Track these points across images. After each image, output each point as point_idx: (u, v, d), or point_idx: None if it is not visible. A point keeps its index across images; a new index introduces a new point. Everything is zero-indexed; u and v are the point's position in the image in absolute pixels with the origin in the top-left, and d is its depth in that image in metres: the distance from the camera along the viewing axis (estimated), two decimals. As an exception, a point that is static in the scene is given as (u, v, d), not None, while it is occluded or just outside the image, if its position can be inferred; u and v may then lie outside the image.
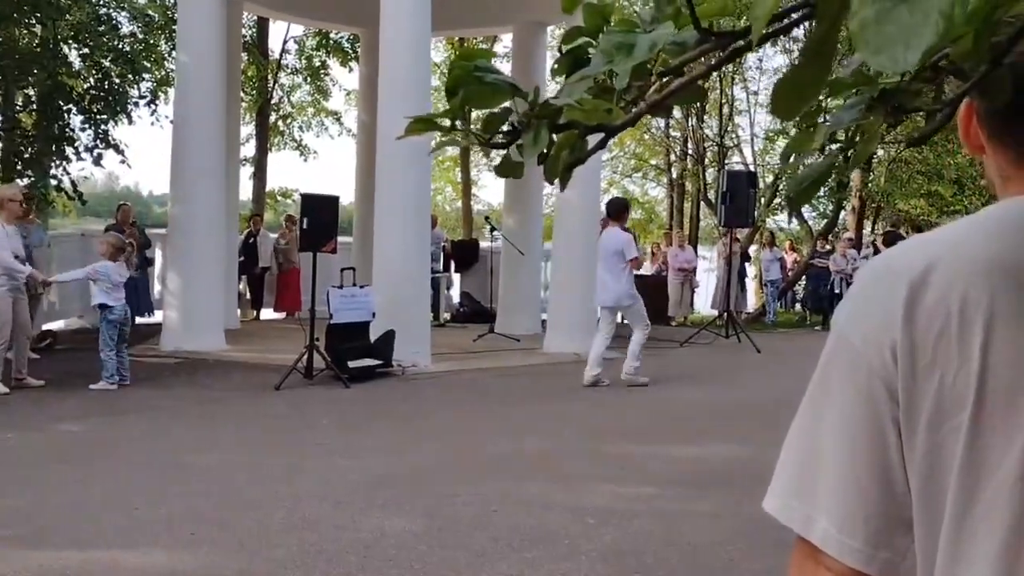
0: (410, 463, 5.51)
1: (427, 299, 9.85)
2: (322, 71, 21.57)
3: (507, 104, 0.67)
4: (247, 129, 19.89)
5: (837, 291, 15.71)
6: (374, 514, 4.46)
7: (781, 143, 23.61)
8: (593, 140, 0.78)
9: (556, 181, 0.76)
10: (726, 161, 22.33)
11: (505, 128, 0.67)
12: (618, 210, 8.88)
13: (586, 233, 10.97)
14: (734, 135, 23.62)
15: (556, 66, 0.90)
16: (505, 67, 23.58)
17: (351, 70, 20.77)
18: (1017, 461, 0.78)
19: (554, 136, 0.66)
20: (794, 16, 0.57)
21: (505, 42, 21.98)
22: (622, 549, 4.04)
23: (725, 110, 22.43)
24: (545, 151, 0.70)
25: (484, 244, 15.79)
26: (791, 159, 0.80)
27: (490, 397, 8.07)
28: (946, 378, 0.81)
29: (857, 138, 0.75)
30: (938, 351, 0.81)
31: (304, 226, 8.33)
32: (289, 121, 22.84)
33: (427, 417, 6.99)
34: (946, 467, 0.82)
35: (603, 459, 5.75)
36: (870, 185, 20.13)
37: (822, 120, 0.80)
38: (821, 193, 21.85)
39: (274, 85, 20.89)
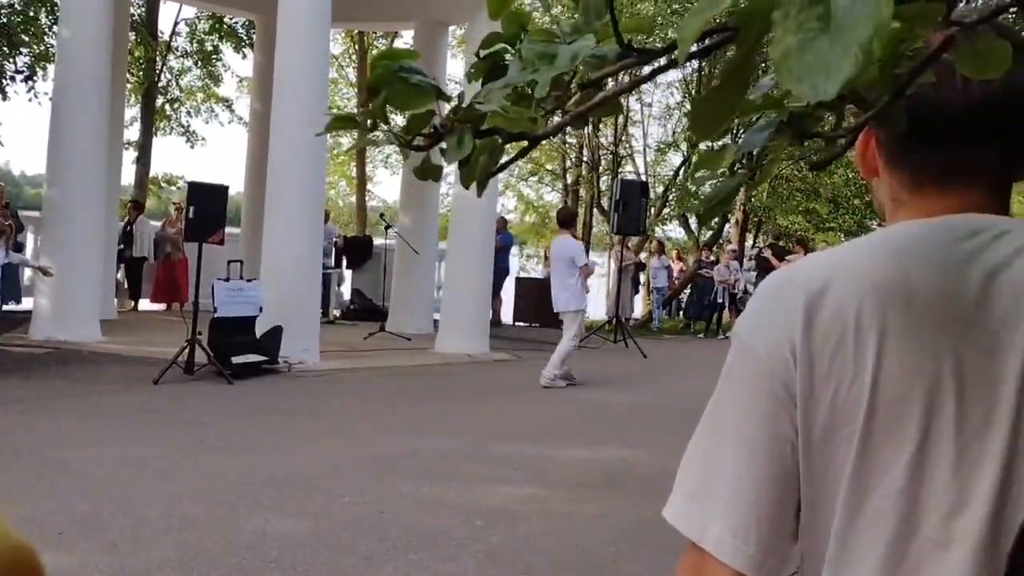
0: (296, 463, 5.40)
1: (318, 295, 9.67)
2: (214, 56, 20.90)
3: (430, 107, 0.66)
4: (132, 111, 19.08)
5: (720, 300, 16.27)
6: (257, 515, 4.34)
7: (672, 155, 24.31)
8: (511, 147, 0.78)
9: (473, 186, 0.76)
10: (619, 170, 22.81)
11: (427, 131, 0.66)
12: (568, 218, 9.27)
13: (482, 234, 11.02)
14: (628, 145, 24.15)
15: (472, 70, 0.90)
16: (405, 64, 23.39)
17: (245, 56, 20.20)
18: (903, 471, 0.82)
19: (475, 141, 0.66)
20: (716, 38, 0.59)
21: (406, 38, 21.84)
22: (509, 550, 4.06)
23: (620, 120, 22.89)
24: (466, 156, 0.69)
25: (378, 241, 15.63)
26: (699, 174, 0.82)
27: (380, 397, 7.99)
28: (840, 389, 0.85)
29: (763, 159, 0.78)
30: (834, 363, 0.85)
31: (190, 215, 8.05)
32: (177, 106, 22.02)
33: (314, 416, 6.86)
34: (836, 476, 0.85)
35: (494, 460, 5.77)
36: (753, 200, 20.91)
37: (730, 140, 0.83)
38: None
39: (162, 67, 20.10)
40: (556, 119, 0.78)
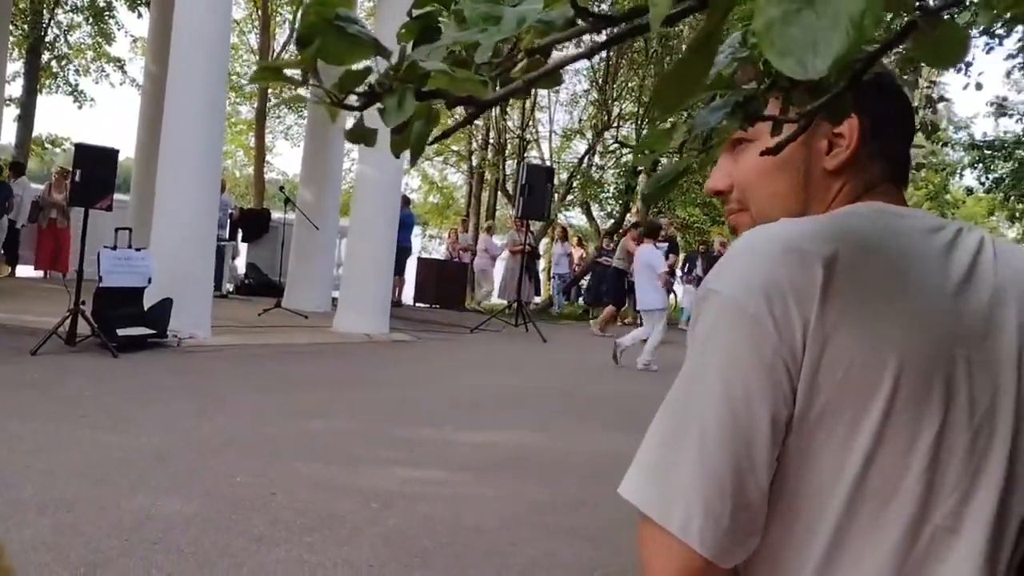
0: (185, 441, 5.19)
1: (211, 268, 9.32)
2: (107, 13, 19.85)
3: (367, 62, 0.60)
4: (14, 67, 17.96)
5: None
6: (141, 494, 4.15)
7: (577, 142, 24.52)
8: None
9: (405, 155, 0.70)
10: (525, 155, 22.87)
11: (362, 89, 0.60)
12: (652, 230, 10.81)
13: (386, 211, 10.84)
14: (534, 130, 24.22)
15: (403, 31, 0.84)
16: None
17: (140, 16, 19.27)
18: (923, 454, 0.81)
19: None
20: (683, 5, 0.55)
21: None
22: (406, 533, 4.01)
23: (527, 105, 22.92)
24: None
25: (276, 215, 15.22)
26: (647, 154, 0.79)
27: (275, 375, 7.78)
28: (853, 369, 0.79)
29: (711, 140, 0.75)
30: (851, 335, 0.79)
31: (77, 179, 7.62)
32: (65, 63, 20.85)
33: (204, 393, 6.62)
34: (831, 460, 0.81)
35: (392, 442, 5.69)
36: (655, 190, 21.30)
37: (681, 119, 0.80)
38: (610, 194, 22.92)
39: (50, 22, 18.98)
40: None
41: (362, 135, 0.64)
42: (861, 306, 0.79)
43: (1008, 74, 18.67)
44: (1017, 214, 20.43)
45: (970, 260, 0.89)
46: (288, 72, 0.60)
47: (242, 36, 23.03)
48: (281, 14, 22.29)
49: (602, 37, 0.67)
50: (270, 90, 22.37)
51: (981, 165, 17.54)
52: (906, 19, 0.67)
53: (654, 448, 0.83)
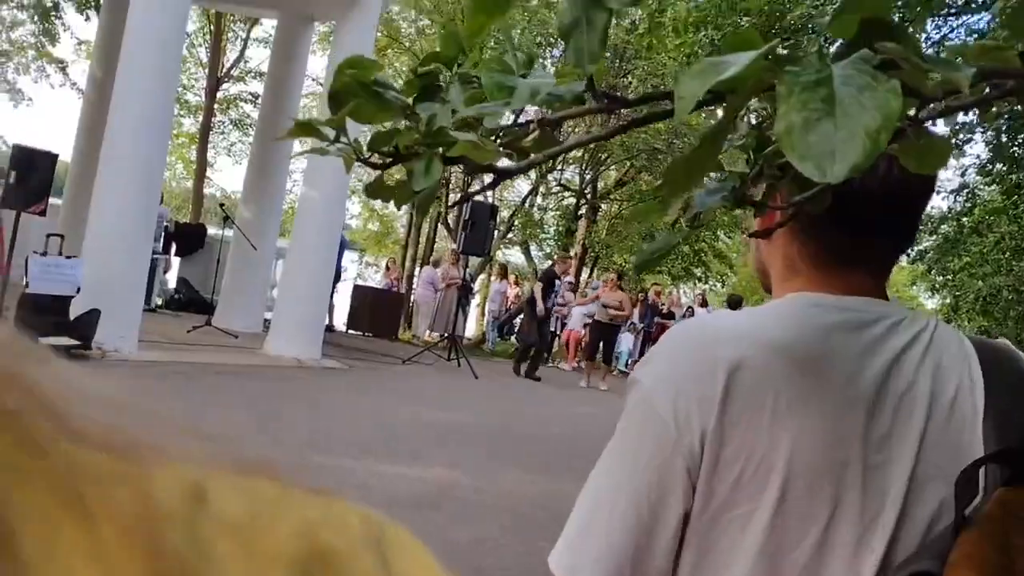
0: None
1: (143, 279, 9.09)
2: (53, 14, 19.42)
3: (396, 124, 0.63)
4: (-52, 58, 17.42)
5: (553, 329, 16.63)
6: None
7: (520, 182, 24.73)
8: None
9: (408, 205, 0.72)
10: (468, 189, 22.97)
11: (387, 149, 0.62)
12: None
13: (326, 235, 10.76)
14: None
15: (405, 87, 0.87)
16: (264, 53, 22.61)
17: (88, 19, 18.90)
18: (808, 550, 0.85)
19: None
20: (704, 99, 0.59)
21: (266, 27, 21.16)
22: (329, 567, 3.94)
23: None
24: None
25: (212, 231, 14.96)
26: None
27: (199, 395, 7.59)
28: (748, 467, 0.86)
29: (701, 217, 0.79)
30: (746, 441, 0.86)
31: (12, 181, 7.39)
32: (3, 60, 20.29)
33: (127, 409, 6.42)
34: (724, 553, 0.87)
35: (313, 472, 5.60)
36: (593, 235, 21.61)
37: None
38: (550, 235, 23.15)
39: (-9, 15, 18.50)
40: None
41: (382, 191, 0.66)
42: (757, 411, 0.85)
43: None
44: (936, 286, 21.26)
45: (892, 358, 0.89)
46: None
47: (192, 49, 22.73)
48: (233, 31, 22.11)
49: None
50: (216, 105, 22.11)
51: (906, 237, 18.14)
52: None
53: (574, 522, 0.92)
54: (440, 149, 0.62)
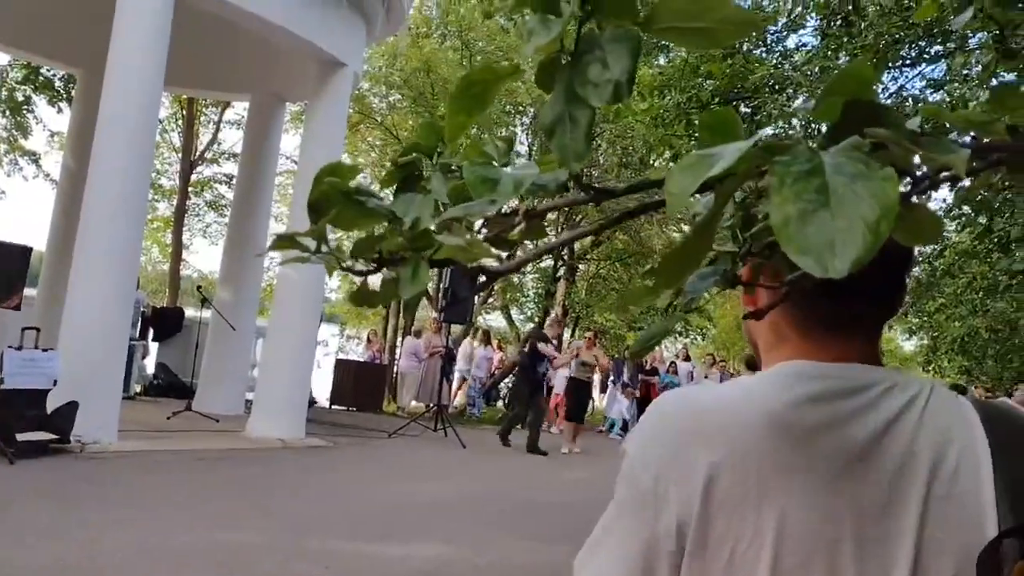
0: (86, 554, 4.87)
1: (121, 369, 8.96)
2: (25, 107, 19.50)
3: (379, 230, 0.61)
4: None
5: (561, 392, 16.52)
6: (35, 619, 3.85)
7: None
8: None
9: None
10: (446, 257, 23.06)
11: (371, 255, 0.61)
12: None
13: (305, 312, 10.69)
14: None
15: (385, 177, 0.86)
16: (237, 134, 22.79)
17: (60, 111, 19.00)
18: None
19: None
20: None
21: (237, 109, 21.37)
22: (323, 659, 3.81)
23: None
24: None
25: (190, 313, 14.84)
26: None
27: (183, 483, 7.43)
28: (738, 548, 0.84)
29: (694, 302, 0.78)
30: (732, 523, 0.85)
31: (-16, 275, 7.32)
32: (-25, 155, 20.32)
33: (106, 502, 6.27)
34: None
35: (305, 556, 5.46)
36: (573, 296, 21.66)
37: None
38: (530, 298, 23.17)
39: (-38, 112, 18.56)
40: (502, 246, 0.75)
41: (368, 297, 0.64)
42: (741, 499, 0.85)
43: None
44: (913, 328, 21.42)
45: (883, 426, 0.87)
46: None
47: (164, 135, 22.88)
48: (205, 114, 22.30)
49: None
50: (190, 188, 22.16)
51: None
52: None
53: None
54: (430, 252, 0.60)
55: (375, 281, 0.73)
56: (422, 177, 0.85)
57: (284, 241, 0.58)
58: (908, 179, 0.61)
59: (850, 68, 0.60)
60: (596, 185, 0.64)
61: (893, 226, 0.48)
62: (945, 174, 0.66)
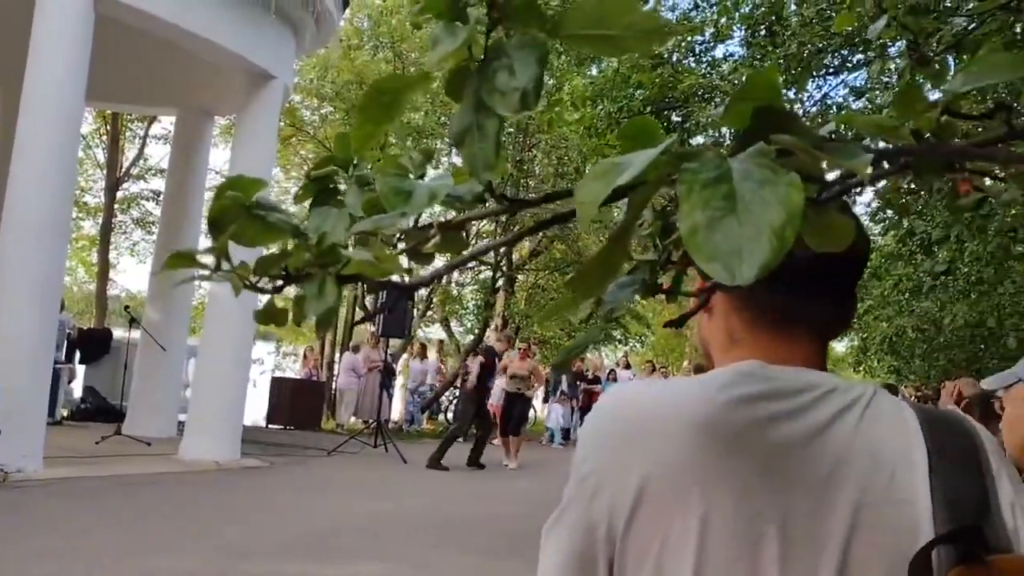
0: (8, 591, 4.68)
1: (45, 394, 8.65)
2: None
3: (284, 246, 0.59)
4: None
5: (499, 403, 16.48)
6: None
7: (436, 259, 24.81)
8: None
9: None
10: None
11: (276, 272, 0.58)
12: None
13: (238, 329, 10.47)
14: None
15: (300, 192, 0.83)
16: (164, 149, 22.30)
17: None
18: None
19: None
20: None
21: (164, 123, 20.91)
22: None
23: (385, 222, 23.07)
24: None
25: (118, 334, 14.43)
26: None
27: (114, 510, 7.20)
28: (665, 548, 0.85)
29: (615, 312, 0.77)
30: (660, 523, 0.85)
31: None
32: None
33: (35, 534, 6.03)
34: None
35: (243, 581, 5.33)
36: (512, 307, 21.69)
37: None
38: (469, 310, 23.13)
39: None
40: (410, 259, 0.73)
41: (273, 315, 0.62)
42: (670, 499, 0.85)
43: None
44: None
45: (816, 430, 0.86)
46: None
47: (88, 151, 22.26)
48: (131, 129, 21.78)
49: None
50: (116, 205, 21.59)
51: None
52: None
53: None
54: (337, 268, 0.58)
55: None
56: (338, 191, 0.83)
57: (181, 259, 0.56)
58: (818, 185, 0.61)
59: (758, 74, 0.60)
60: (510, 196, 0.63)
61: (799, 231, 0.47)
62: (854, 180, 0.66)
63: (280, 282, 0.58)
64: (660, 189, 0.58)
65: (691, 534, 0.84)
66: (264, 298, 0.59)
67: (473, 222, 0.81)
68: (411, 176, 0.77)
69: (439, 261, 0.73)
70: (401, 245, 0.73)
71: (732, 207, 0.49)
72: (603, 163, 0.54)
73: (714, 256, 0.48)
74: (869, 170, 0.55)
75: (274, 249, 0.59)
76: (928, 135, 0.63)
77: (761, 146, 0.53)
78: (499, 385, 14.66)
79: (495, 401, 15.56)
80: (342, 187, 0.85)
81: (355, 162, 0.85)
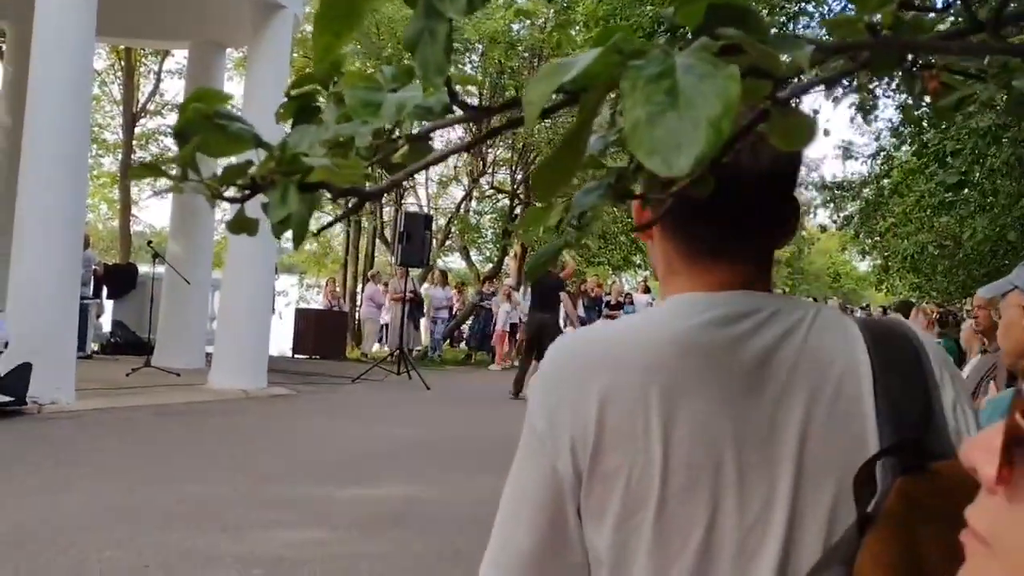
0: (45, 518, 4.86)
1: (74, 327, 8.82)
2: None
3: (248, 156, 0.60)
4: None
5: (502, 328, 16.64)
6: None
7: (454, 188, 24.74)
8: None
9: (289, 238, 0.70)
10: (402, 201, 22.86)
11: (243, 182, 0.60)
12: (904, 309, 11.34)
13: (260, 263, 10.58)
14: (411, 177, 24.27)
15: (282, 111, 0.84)
16: (179, 84, 22.18)
17: (-9, 66, 18.31)
18: (692, 556, 0.84)
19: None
20: (555, 100, 0.58)
21: (177, 58, 20.77)
22: (291, 600, 3.87)
23: (403, 151, 22.94)
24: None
25: (144, 269, 14.61)
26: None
27: (146, 438, 7.41)
28: (632, 477, 0.86)
29: (586, 217, 0.78)
30: (624, 453, 0.86)
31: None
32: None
33: (67, 463, 6.24)
34: (631, 559, 0.86)
35: (273, 504, 5.50)
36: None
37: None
38: (488, 238, 23.14)
39: None
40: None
41: (244, 225, 0.64)
42: (630, 430, 0.86)
43: (852, 119, 20.05)
44: (867, 249, 21.79)
45: (764, 353, 0.87)
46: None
47: (104, 87, 22.19)
48: (145, 64, 21.64)
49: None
50: (135, 142, 21.61)
51: (832, 204, 18.68)
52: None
53: (493, 538, 0.95)
54: (300, 175, 0.60)
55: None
56: (319, 109, 0.84)
57: (146, 169, 0.57)
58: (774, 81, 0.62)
59: (713, -29, 0.60)
60: (469, 105, 0.64)
61: (734, 122, 0.48)
62: (812, 77, 0.66)
63: (248, 191, 0.60)
64: (613, 90, 0.59)
65: (655, 462, 0.85)
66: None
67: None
68: (382, 89, 0.78)
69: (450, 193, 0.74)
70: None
71: (674, 102, 0.50)
72: (550, 63, 0.54)
73: (654, 150, 0.49)
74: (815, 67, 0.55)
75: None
76: (885, 30, 0.62)
77: (705, 40, 0.53)
78: (503, 310, 14.61)
79: (501, 326, 15.57)
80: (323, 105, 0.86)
81: (335, 80, 0.86)
